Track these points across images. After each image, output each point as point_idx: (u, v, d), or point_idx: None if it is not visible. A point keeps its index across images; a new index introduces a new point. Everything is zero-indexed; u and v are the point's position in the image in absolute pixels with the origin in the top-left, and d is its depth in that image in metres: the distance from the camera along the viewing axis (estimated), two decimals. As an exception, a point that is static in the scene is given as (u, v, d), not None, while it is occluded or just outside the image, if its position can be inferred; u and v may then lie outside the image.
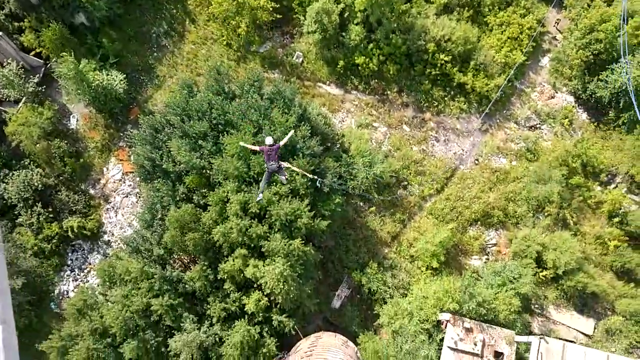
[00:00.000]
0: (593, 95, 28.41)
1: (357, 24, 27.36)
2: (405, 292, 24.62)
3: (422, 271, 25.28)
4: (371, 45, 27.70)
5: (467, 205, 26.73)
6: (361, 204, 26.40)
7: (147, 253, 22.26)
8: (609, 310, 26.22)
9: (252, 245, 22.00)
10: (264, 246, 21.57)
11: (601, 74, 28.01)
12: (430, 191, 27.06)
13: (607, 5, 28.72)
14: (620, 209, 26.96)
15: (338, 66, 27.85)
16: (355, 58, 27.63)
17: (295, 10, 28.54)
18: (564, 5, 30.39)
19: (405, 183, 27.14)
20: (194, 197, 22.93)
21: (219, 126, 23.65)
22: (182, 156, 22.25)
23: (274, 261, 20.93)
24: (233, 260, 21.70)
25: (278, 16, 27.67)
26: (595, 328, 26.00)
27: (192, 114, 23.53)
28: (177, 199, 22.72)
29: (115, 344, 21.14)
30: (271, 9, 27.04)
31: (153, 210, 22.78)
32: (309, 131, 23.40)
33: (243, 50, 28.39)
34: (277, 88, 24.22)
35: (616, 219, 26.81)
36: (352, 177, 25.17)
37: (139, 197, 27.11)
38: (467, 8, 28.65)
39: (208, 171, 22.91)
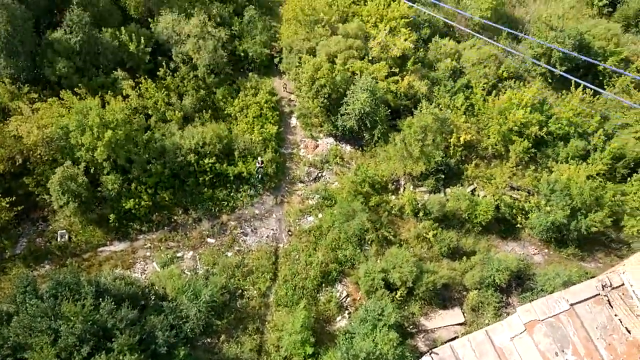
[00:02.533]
0: (345, 129, 34.17)
1: (108, 174, 27.75)
2: (297, 395, 24.76)
3: (301, 365, 25.85)
4: (134, 184, 28.37)
5: (305, 276, 28.68)
6: (209, 340, 25.97)
7: None
8: (463, 291, 30.70)
9: None
10: None
11: (340, 110, 33.97)
12: (266, 284, 28.26)
13: (312, 55, 35.30)
14: (418, 204, 32.40)
15: (110, 222, 27.63)
16: (124, 204, 27.82)
17: (36, 192, 27.51)
18: (282, 72, 36.23)
19: (240, 291, 27.83)
20: None
21: (8, 358, 20.92)
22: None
23: None
24: None
25: (19, 208, 26.34)
26: (463, 313, 30.10)
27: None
28: None
29: None
30: (8, 205, 25.65)
31: None
32: (113, 303, 22.45)
33: (-5, 262, 25.93)
34: (55, 279, 22.90)
35: (420, 214, 32.15)
36: (184, 319, 24.71)
37: None
38: (204, 111, 31.78)
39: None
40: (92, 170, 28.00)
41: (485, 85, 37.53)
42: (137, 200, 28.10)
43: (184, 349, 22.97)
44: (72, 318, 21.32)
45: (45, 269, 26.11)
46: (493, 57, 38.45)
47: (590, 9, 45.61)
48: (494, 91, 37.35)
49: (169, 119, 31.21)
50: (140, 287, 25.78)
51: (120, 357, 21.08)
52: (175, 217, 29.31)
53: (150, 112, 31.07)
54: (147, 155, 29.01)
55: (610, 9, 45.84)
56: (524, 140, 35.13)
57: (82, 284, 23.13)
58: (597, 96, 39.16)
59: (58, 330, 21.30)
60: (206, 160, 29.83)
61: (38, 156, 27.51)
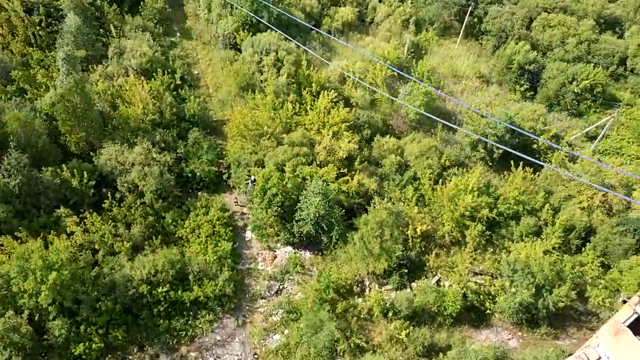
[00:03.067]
0: (302, 235, 34.43)
1: (54, 319, 26.32)
2: None
3: None
4: (83, 326, 26.98)
5: (277, 403, 27.07)
6: None
7: None
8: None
9: None
10: None
11: (295, 216, 34.46)
12: (235, 418, 26.37)
13: (260, 167, 36.44)
14: (386, 303, 32.15)
15: (57, 373, 25.63)
16: (73, 350, 26.15)
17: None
18: (232, 187, 36.99)
19: None
20: None
21: None
22: None
23: None
24: None
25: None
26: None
27: None
28: None
29: None
30: None
31: None
32: None
33: None
34: None
35: (390, 314, 31.81)
36: None
37: None
38: (154, 237, 31.48)
39: None
40: (36, 317, 26.52)
41: (431, 175, 39.46)
42: (87, 344, 26.50)
43: None
44: None
45: None
46: (434, 148, 40.92)
47: (513, 94, 50.28)
48: (440, 180, 39.28)
49: (117, 251, 30.60)
50: None
51: None
52: (130, 357, 27.59)
53: (97, 247, 30.45)
54: (96, 293, 27.93)
55: (532, 92, 50.68)
56: (477, 224, 36.44)
57: None
58: (538, 173, 41.88)
59: None
60: (159, 289, 28.98)
61: (-25, 311, 25.93)
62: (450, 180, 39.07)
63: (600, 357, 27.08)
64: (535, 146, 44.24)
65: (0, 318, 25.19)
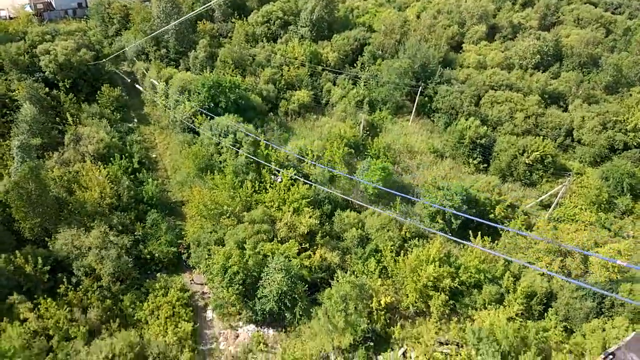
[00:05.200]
0: (265, 312, 36.73)
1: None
2: None
3: None
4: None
5: None
6: None
7: None
8: None
9: None
10: None
11: (257, 293, 36.91)
12: None
13: (220, 245, 39.19)
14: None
15: None
16: None
17: None
18: (190, 266, 39.49)
19: None
20: None
21: None
22: None
23: None
24: None
25: None
26: None
27: None
28: None
29: None
30: None
31: None
32: None
33: None
34: None
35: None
36: None
37: None
38: (111, 320, 33.17)
39: None
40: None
41: (392, 247, 43.01)
42: None
43: None
44: None
45: None
46: (394, 221, 44.92)
47: (467, 167, 55.96)
48: (402, 251, 42.84)
49: (72, 336, 32.01)
50: None
51: None
52: None
53: (51, 332, 31.81)
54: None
55: (485, 165, 56.53)
56: (441, 293, 39.63)
57: None
58: (496, 241, 46.16)
59: None
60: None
61: None
62: (412, 252, 42.67)
63: None
64: (492, 216, 48.93)
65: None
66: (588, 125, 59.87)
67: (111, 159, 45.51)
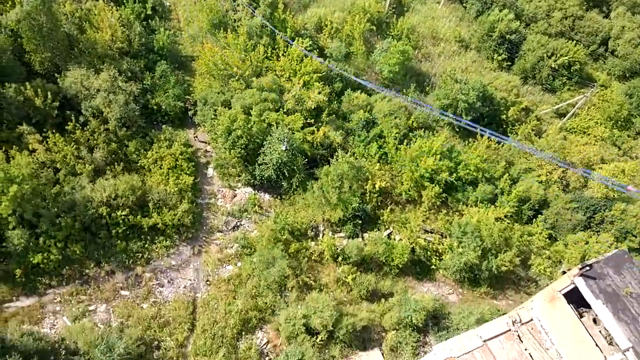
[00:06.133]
0: (263, 178, 39.33)
1: (14, 228, 30.51)
2: None
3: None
4: (42, 238, 31.27)
5: (224, 325, 32.34)
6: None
7: None
8: (382, 332, 35.54)
9: None
10: None
11: (258, 160, 39.23)
12: (184, 334, 31.59)
13: (227, 107, 40.73)
14: (337, 249, 37.56)
15: (17, 277, 30.12)
16: (32, 259, 30.55)
17: None
18: (196, 123, 41.38)
19: (156, 342, 30.89)
20: None
21: None
22: None
23: None
24: None
25: None
26: (382, 354, 34.76)
27: None
28: None
29: None
30: None
31: None
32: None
33: None
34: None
35: (339, 259, 37.29)
36: (96, 375, 27.36)
37: None
38: (116, 163, 35.74)
39: None
40: (-6, 226, 30.67)
41: (397, 135, 44.57)
42: (45, 254, 30.94)
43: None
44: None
45: (-55, 327, 27.96)
46: (403, 109, 45.97)
47: (490, 62, 55.59)
48: (405, 140, 44.43)
49: (79, 172, 34.73)
50: (50, 343, 28.28)
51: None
52: (87, 271, 32.31)
53: (59, 166, 34.46)
54: (56, 209, 32.19)
55: (509, 63, 56.12)
56: (435, 185, 41.95)
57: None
58: (502, 143, 47.58)
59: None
60: (119, 213, 33.45)
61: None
62: (415, 142, 44.28)
63: (532, 320, 32.63)
64: (504, 116, 49.84)
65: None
66: (626, 36, 58.31)
67: (124, 1, 45.32)
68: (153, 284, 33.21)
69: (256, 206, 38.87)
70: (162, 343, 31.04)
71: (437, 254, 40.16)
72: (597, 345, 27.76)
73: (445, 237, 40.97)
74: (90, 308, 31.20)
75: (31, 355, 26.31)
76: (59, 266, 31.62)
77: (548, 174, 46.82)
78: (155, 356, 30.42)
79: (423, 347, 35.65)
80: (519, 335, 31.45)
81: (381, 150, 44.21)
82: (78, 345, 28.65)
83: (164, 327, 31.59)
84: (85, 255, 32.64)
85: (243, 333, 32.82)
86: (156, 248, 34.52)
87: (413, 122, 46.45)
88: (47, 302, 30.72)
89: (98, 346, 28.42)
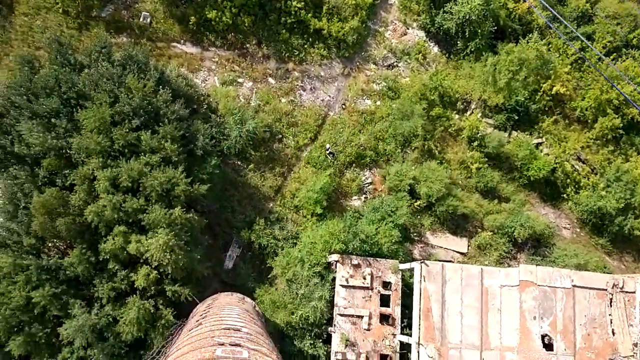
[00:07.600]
0: (441, 28, 38.50)
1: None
2: (295, 241, 32.39)
3: (307, 219, 33.23)
4: (221, -2, 34.17)
5: (341, 149, 35.05)
6: (239, 162, 33.42)
7: (17, 245, 26.63)
8: (479, 228, 36.87)
9: (130, 220, 27.37)
10: (144, 219, 27.03)
11: (446, 6, 37.92)
12: (305, 141, 34.95)
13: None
14: (478, 133, 37.40)
15: (190, 23, 34.03)
16: (207, 13, 33.92)
17: (133, -34, 33.85)
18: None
19: (280, 136, 34.67)
20: (57, 180, 27.51)
21: (71, 101, 28.29)
22: (35, 138, 26.49)
23: (157, 233, 26.31)
24: (113, 239, 26.89)
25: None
26: (468, 246, 36.40)
27: (39, 91, 27.92)
28: (39, 183, 27.24)
29: (0, 343, 25.48)
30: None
31: (14, 199, 27.09)
32: (170, 94, 29.14)
33: (83, 16, 33.05)
34: (128, 53, 29.63)
35: (475, 143, 37.34)
36: (225, 137, 31.81)
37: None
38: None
39: (67, 150, 27.41)
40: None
41: (608, 45, 40.12)
42: (219, 13, 34.11)
43: (217, 159, 30.11)
44: (133, 91, 28.21)
45: (123, 40, 33.19)
46: (631, 18, 40.53)
47: None
48: (615, 54, 40.01)
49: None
50: (198, 93, 32.78)
51: (162, 142, 28.13)
52: (248, 46, 35.63)
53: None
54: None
55: None
56: (618, 117, 38.52)
57: (149, 67, 29.96)
58: None
59: (118, 97, 28.34)
60: (294, 3, 35.02)
61: None
62: (624, 61, 39.82)
63: (635, 292, 31.81)
64: None
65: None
66: None
67: None
68: (297, 85, 36.04)
69: (420, 54, 38.67)
70: (284, 139, 34.79)
71: (577, 186, 38.63)
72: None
73: (596, 174, 38.97)
74: (239, 80, 35.04)
75: (180, 95, 30.67)
76: (227, 29, 34.98)
77: None
78: (274, 147, 34.46)
79: (510, 260, 36.64)
80: (611, 299, 31.27)
81: (585, 52, 40.08)
82: (218, 106, 33.04)
83: (291, 127, 35.10)
84: (252, 30, 35.50)
85: (354, 165, 35.55)
86: (313, 52, 36.57)
87: (635, 38, 41.14)
88: (207, 57, 34.80)
89: (234, 115, 32.55)
